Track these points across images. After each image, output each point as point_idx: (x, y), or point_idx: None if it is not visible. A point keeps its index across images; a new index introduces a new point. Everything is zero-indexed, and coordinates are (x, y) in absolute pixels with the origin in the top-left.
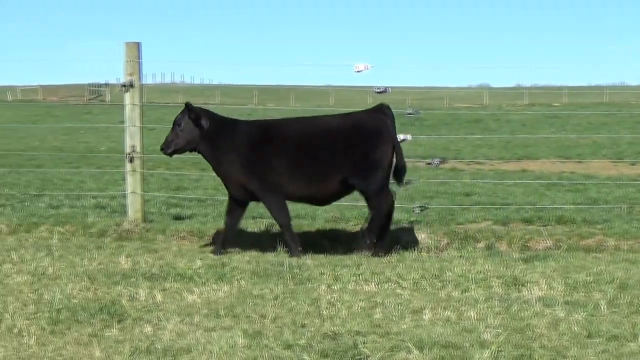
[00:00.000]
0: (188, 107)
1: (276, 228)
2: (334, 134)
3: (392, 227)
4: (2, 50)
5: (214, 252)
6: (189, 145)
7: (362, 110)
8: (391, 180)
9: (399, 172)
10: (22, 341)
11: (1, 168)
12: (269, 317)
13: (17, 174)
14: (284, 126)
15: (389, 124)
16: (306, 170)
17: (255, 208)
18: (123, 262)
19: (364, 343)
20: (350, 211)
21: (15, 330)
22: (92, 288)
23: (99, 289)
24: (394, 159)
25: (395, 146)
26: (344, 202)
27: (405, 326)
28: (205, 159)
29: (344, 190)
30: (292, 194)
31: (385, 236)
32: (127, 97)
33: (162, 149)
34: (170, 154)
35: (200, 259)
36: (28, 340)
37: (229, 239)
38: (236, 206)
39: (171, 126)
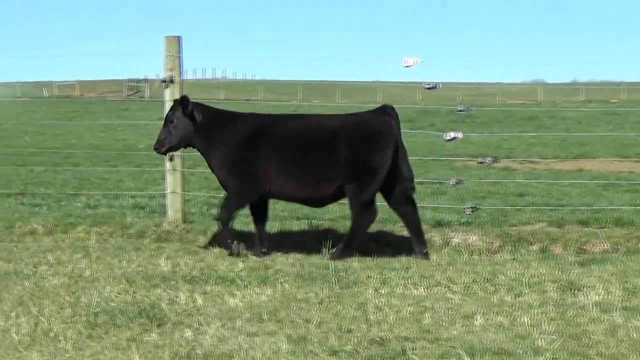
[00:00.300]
0: (180, 101)
1: (321, 229)
2: (331, 134)
3: (443, 229)
4: (38, 45)
5: (255, 254)
6: (183, 142)
7: (365, 111)
8: (401, 187)
9: (407, 179)
10: (58, 346)
11: (37, 166)
12: (314, 322)
13: (53, 172)
14: (281, 123)
15: (392, 126)
16: (302, 170)
17: (300, 209)
18: (163, 264)
19: (412, 349)
20: None
21: (52, 335)
22: (131, 291)
23: (137, 292)
24: (398, 165)
25: (399, 150)
26: None
27: (455, 332)
28: (201, 153)
29: (339, 192)
30: (286, 194)
31: (422, 236)
32: (167, 93)
33: (155, 149)
34: (164, 153)
35: (243, 261)
36: (65, 345)
37: (265, 237)
38: (257, 203)
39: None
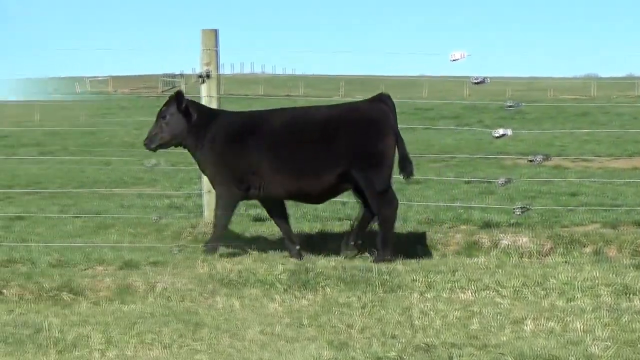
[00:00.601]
0: (175, 97)
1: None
2: (325, 124)
3: (492, 230)
4: (69, 39)
5: (291, 255)
6: (174, 140)
7: (361, 100)
8: (399, 175)
9: (404, 166)
10: (89, 350)
11: (68, 165)
12: (356, 328)
13: (85, 171)
14: (274, 117)
15: (389, 114)
16: (298, 164)
17: (342, 209)
18: (199, 267)
19: (459, 356)
20: (444, 212)
21: (83, 340)
22: (166, 294)
23: (172, 296)
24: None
25: (398, 139)
26: (439, 203)
27: (504, 338)
28: (191, 154)
29: (338, 185)
30: (283, 190)
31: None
32: (204, 89)
33: (145, 144)
34: (154, 149)
35: (282, 264)
36: (96, 350)
37: (293, 236)
38: (273, 205)
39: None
